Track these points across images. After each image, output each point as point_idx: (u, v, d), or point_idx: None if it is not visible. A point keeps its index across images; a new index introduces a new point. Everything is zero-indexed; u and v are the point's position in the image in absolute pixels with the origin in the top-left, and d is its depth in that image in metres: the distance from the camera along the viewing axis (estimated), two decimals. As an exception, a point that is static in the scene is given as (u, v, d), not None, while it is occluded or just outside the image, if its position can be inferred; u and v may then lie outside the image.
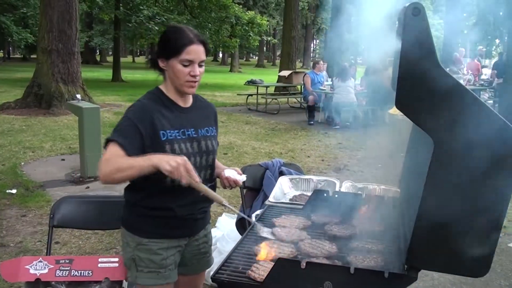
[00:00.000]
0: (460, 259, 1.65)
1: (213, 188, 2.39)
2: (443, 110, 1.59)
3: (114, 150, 2.05)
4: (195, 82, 2.19)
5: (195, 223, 2.38)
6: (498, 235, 1.62)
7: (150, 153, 2.04)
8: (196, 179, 2.01)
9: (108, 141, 2.10)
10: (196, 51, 2.16)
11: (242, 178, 2.40)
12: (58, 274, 2.59)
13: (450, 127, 1.58)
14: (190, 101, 2.35)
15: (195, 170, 2.07)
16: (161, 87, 2.29)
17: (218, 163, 2.49)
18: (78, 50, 13.50)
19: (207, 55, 2.22)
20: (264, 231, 2.35)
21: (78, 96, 8.31)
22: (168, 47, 2.18)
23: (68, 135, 9.98)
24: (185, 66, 2.15)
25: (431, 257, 1.68)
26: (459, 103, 1.57)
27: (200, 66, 2.20)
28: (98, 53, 49.17)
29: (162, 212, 2.23)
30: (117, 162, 2.01)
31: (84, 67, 19.97)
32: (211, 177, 2.38)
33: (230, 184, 2.40)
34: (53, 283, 2.59)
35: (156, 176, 2.02)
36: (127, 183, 2.26)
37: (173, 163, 1.91)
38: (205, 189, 2.09)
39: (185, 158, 1.97)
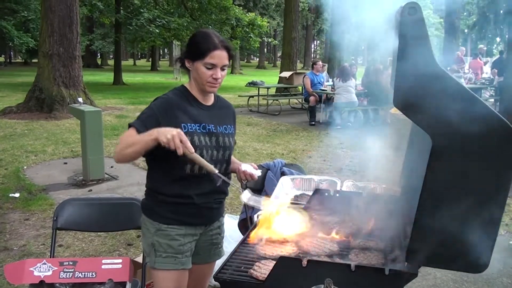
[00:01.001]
0: (460, 255, 1.66)
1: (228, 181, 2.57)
2: (440, 108, 1.60)
3: (129, 133, 2.24)
4: (216, 84, 2.36)
5: (211, 213, 2.51)
6: (497, 230, 1.63)
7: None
8: (191, 150, 2.15)
9: (129, 127, 2.27)
10: (220, 56, 2.31)
11: (257, 172, 2.56)
12: (62, 276, 2.61)
13: (448, 124, 1.60)
14: (211, 100, 2.52)
15: (212, 163, 2.31)
16: (186, 85, 2.47)
17: (234, 158, 2.62)
18: (79, 54, 13.54)
19: (230, 60, 2.39)
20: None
21: (80, 99, 8.34)
22: (194, 50, 2.34)
23: (70, 138, 10.01)
24: (208, 69, 2.31)
25: (430, 254, 1.69)
26: (457, 101, 1.59)
27: (222, 70, 2.36)
28: (99, 57, 49.27)
29: (182, 199, 2.37)
30: (127, 139, 2.20)
31: (86, 70, 20.01)
32: (226, 171, 2.53)
33: (246, 177, 2.58)
34: (57, 285, 2.61)
35: (177, 161, 2.23)
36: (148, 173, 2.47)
37: (168, 135, 2.07)
38: (199, 159, 2.22)
39: (179, 130, 2.12)
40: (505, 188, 1.59)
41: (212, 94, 2.52)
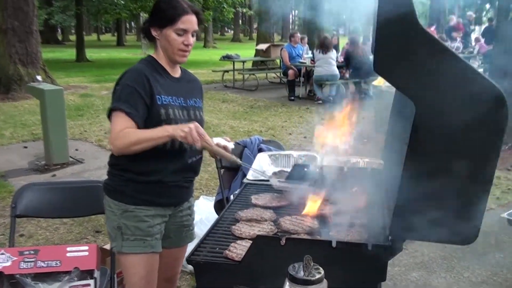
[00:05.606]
0: (446, 227, 1.67)
1: (200, 159, 2.58)
2: (424, 72, 1.59)
3: (123, 121, 2.21)
4: (186, 51, 2.38)
5: (180, 192, 2.53)
6: (486, 199, 1.64)
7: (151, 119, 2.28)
8: (210, 143, 2.20)
9: (111, 111, 2.24)
10: (190, 20, 2.34)
11: (230, 145, 2.56)
12: (22, 266, 2.56)
13: (432, 89, 1.59)
14: (179, 72, 2.54)
15: None
16: (154, 55, 2.45)
17: None
18: (36, 29, 13.23)
19: (199, 25, 2.39)
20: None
21: (39, 78, 8.21)
22: (163, 16, 2.34)
23: (30, 120, 9.85)
24: (179, 35, 2.33)
25: (415, 226, 1.70)
26: (441, 63, 1.58)
27: (192, 35, 2.38)
28: (59, 32, 48.26)
29: (151, 177, 2.36)
30: (134, 135, 2.20)
31: (45, 47, 19.61)
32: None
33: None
34: (17, 276, 2.57)
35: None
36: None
37: (186, 129, 2.11)
38: (219, 150, 2.31)
39: (195, 123, 2.17)
40: (494, 155, 1.59)
41: (179, 67, 2.53)
